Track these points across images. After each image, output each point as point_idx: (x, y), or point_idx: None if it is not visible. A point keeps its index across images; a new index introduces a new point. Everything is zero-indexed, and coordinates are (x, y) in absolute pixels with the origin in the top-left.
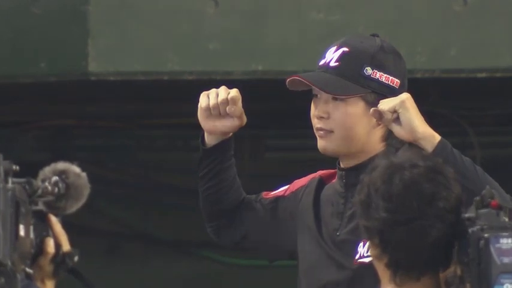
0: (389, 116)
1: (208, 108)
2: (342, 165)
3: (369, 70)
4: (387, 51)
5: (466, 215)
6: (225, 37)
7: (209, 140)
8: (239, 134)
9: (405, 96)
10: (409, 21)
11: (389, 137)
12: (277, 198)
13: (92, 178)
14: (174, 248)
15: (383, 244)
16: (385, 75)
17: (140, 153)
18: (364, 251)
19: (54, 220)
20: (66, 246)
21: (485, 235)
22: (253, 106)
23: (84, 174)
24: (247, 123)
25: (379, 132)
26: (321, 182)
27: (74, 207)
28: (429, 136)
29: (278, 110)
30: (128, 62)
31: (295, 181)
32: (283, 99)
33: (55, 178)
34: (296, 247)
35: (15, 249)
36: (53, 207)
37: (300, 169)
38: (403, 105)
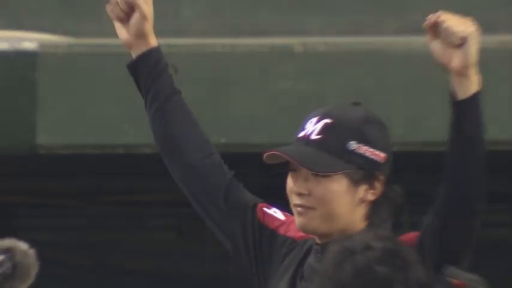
0: (457, 38)
1: (113, 11)
2: (317, 241)
3: (353, 144)
4: (372, 122)
5: None
6: None
7: (134, 55)
8: None
9: (475, 27)
10: (384, 90)
11: (372, 215)
12: (272, 232)
13: (39, 260)
14: None
15: None
16: (370, 149)
17: (92, 233)
18: None
19: None
20: None
21: None
22: None
23: (32, 252)
24: None
25: (362, 210)
26: (311, 249)
27: None
28: (476, 78)
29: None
30: (80, 134)
31: (292, 222)
32: (248, 177)
33: (0, 257)
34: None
35: None
36: None
37: None
38: (475, 36)
